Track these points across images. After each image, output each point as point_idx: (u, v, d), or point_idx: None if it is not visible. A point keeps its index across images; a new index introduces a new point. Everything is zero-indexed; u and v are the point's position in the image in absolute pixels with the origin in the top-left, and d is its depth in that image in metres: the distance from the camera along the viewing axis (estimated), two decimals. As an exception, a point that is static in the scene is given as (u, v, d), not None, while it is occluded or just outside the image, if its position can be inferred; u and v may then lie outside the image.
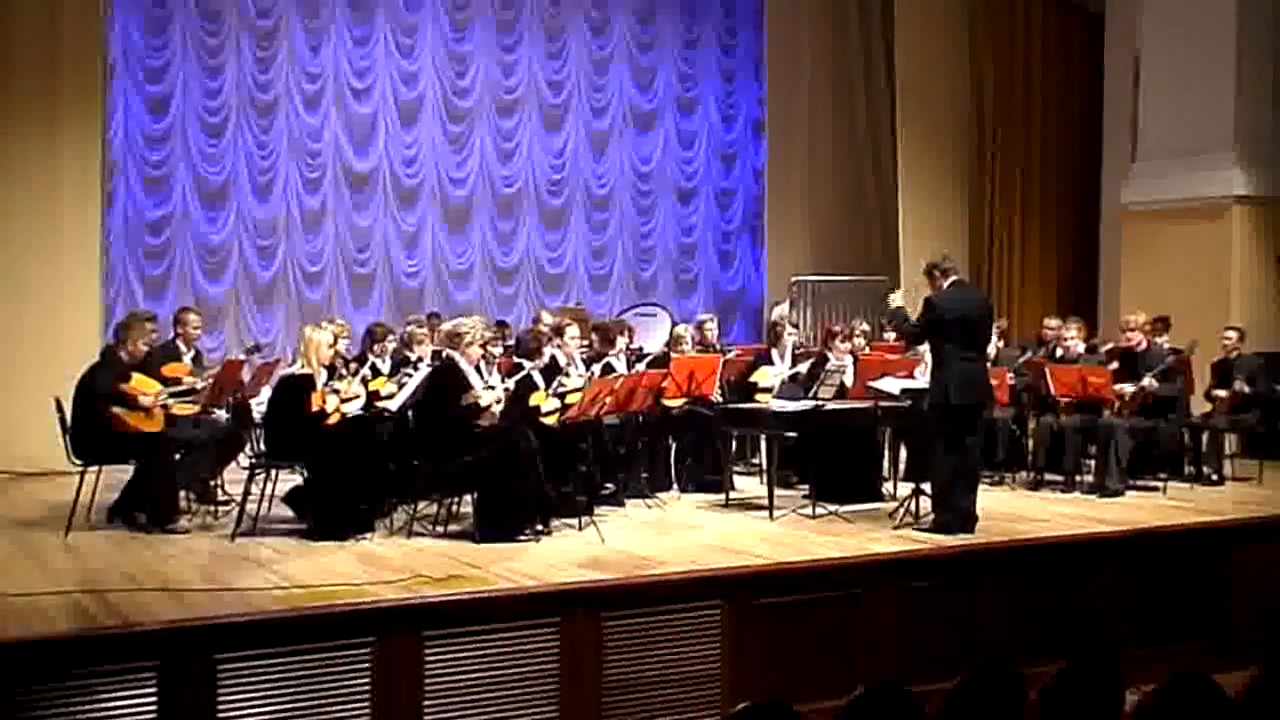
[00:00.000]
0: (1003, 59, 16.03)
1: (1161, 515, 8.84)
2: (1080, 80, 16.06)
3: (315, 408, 7.91)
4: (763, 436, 10.12)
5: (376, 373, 9.24)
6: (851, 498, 9.05)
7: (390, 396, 8.76)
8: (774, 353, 10.40)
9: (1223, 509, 9.19)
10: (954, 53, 16.00)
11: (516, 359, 9.06)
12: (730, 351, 11.22)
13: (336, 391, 8.28)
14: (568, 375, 8.90)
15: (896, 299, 8.79)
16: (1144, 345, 10.20)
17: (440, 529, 7.97)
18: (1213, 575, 8.21)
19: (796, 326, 11.20)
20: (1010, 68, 16.05)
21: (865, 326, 11.26)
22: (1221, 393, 10.69)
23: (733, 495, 9.48)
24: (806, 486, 9.28)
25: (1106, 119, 15.52)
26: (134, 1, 14.27)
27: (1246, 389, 10.54)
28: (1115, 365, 10.21)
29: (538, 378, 8.66)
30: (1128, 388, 9.94)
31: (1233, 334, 10.95)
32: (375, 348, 9.61)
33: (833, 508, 8.74)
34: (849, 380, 9.50)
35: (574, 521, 8.07)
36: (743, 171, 18.09)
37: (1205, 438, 10.72)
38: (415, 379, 8.61)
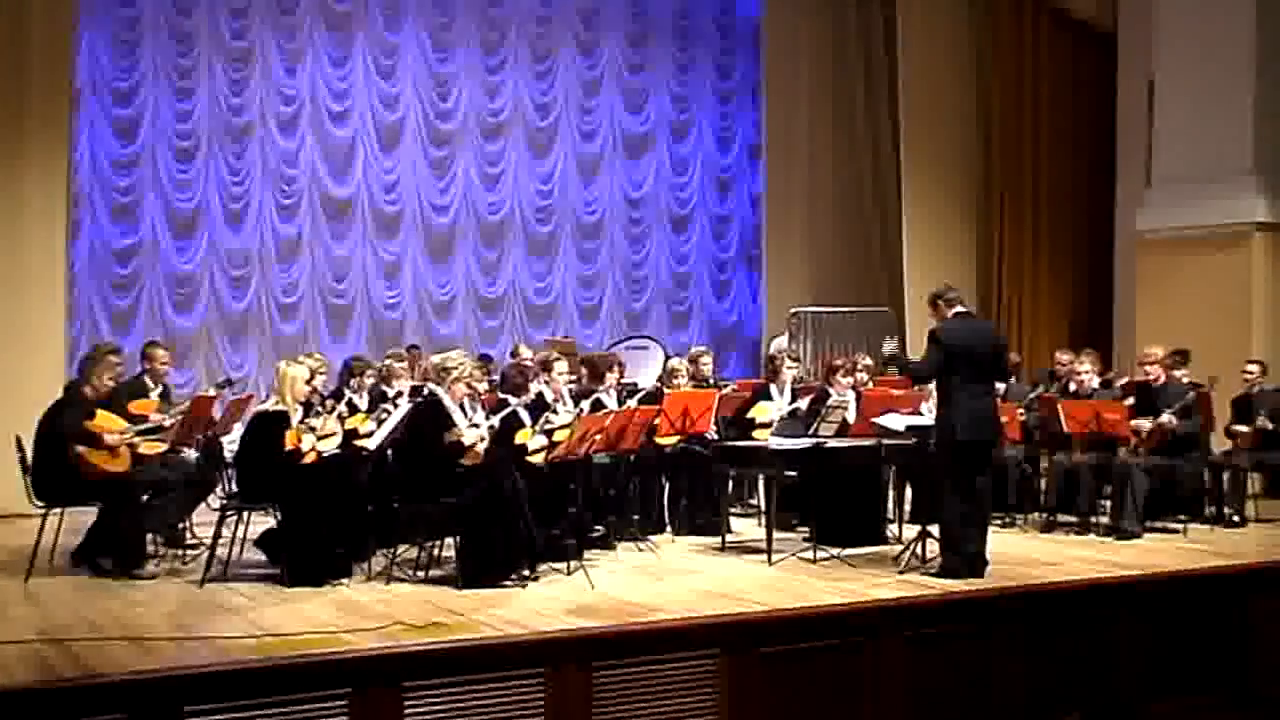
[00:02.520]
0: (1010, 80, 16.13)
1: (1181, 559, 8.84)
2: (1092, 103, 16.15)
3: (290, 446, 7.90)
4: (761, 476, 10.11)
5: (354, 409, 9.22)
6: (855, 540, 9.05)
7: (369, 434, 8.74)
8: (772, 388, 10.41)
9: (1245, 553, 9.19)
10: (960, 75, 16.11)
11: (501, 395, 9.05)
12: (726, 386, 11.22)
13: (312, 429, 8.26)
14: (555, 412, 8.90)
15: (890, 345, 8.83)
16: (1162, 380, 10.24)
17: (421, 574, 7.94)
18: (1234, 623, 8.21)
19: (796, 360, 11.20)
20: (1018, 90, 16.15)
21: (868, 360, 11.28)
22: (1243, 429, 10.71)
23: (729, 538, 9.46)
24: (807, 529, 9.27)
25: (1120, 143, 15.60)
26: (102, 21, 14.33)
27: (1270, 425, 10.56)
28: (1131, 401, 10.23)
29: (524, 415, 8.65)
30: (1145, 424, 9.97)
31: (1255, 368, 10.96)
32: (353, 383, 9.61)
33: (835, 551, 8.73)
34: (851, 416, 9.51)
35: (562, 566, 8.05)
36: (739, 198, 18.15)
37: (1226, 477, 10.73)
38: (395, 416, 8.60)
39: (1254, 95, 13.17)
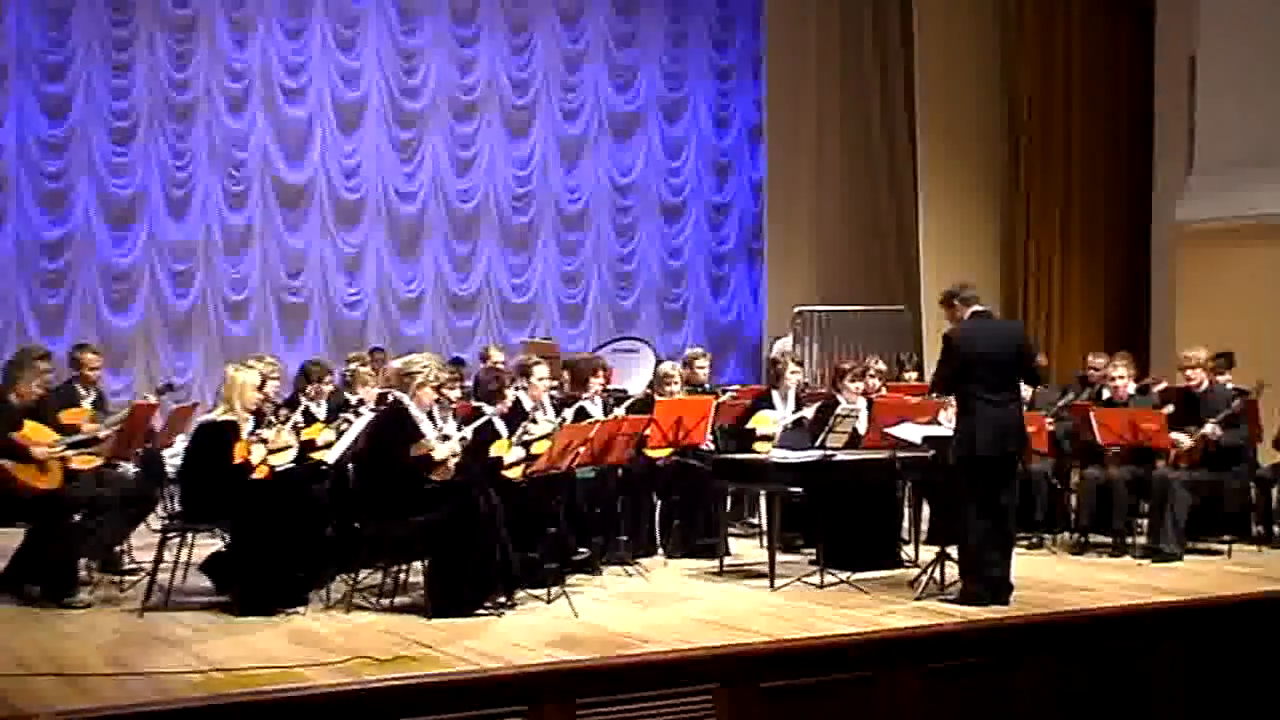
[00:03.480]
0: (1038, 59, 16.17)
1: (1225, 583, 8.86)
2: (1128, 83, 16.20)
3: (239, 459, 7.88)
4: (762, 492, 10.10)
5: (311, 419, 9.21)
6: (866, 563, 9.04)
7: (327, 446, 8.74)
8: (775, 395, 10.41)
9: (1295, 576, 9.23)
10: (983, 50, 16.15)
11: (475, 403, 9.04)
12: (724, 393, 11.22)
13: (264, 441, 8.25)
14: (535, 421, 8.89)
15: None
16: (1204, 386, 10.25)
17: (385, 602, 7.92)
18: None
19: (801, 364, 11.23)
20: (1048, 69, 16.20)
21: (881, 364, 11.28)
22: (1293, 441, 10.75)
23: (728, 561, 9.45)
24: (813, 551, 9.26)
25: (1158, 127, 15.66)
26: (31, -12, 14.33)
27: (1322, 437, 10.60)
28: (1171, 409, 10.24)
29: (500, 425, 8.65)
30: (1185, 436, 9.98)
31: (1306, 373, 11.00)
32: (310, 390, 9.59)
33: (844, 575, 8.73)
34: (862, 426, 9.52)
35: (542, 593, 8.03)
36: (738, 184, 18.19)
37: (1275, 493, 10.75)
38: (356, 426, 8.59)
39: (1305, 72, 13.24)
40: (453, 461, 8.00)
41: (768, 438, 9.88)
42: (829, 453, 9.01)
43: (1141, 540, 10.06)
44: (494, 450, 8.49)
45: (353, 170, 16.01)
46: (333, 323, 15.84)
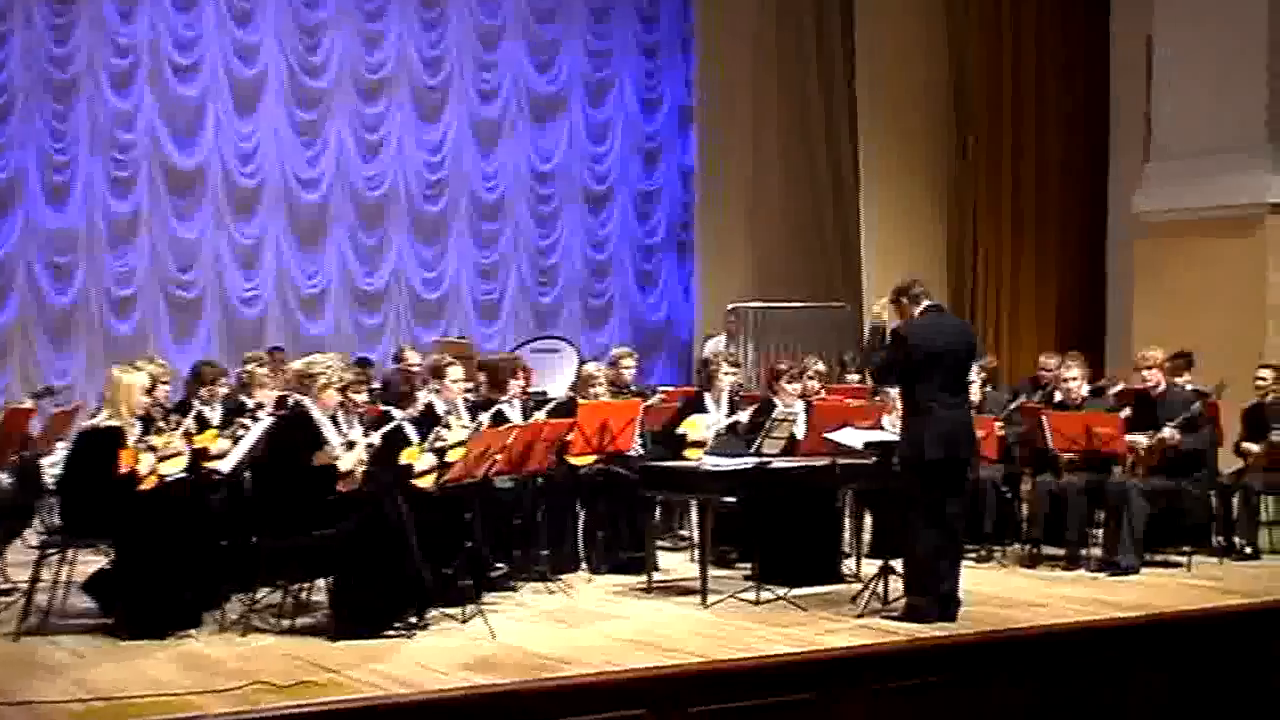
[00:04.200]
0: (988, 41, 16.30)
1: (1185, 598, 8.97)
2: (1083, 67, 16.34)
3: (125, 469, 7.80)
4: (693, 502, 10.13)
5: (204, 424, 9.13)
6: (805, 579, 9.08)
7: (222, 455, 8.67)
8: (707, 397, 10.43)
9: (1259, 589, 9.34)
10: (929, 32, 16.26)
11: (383, 407, 9.00)
12: (653, 396, 11.24)
13: (153, 448, 8.17)
14: (448, 426, 8.87)
15: (878, 312, 8.65)
16: (1162, 387, 10.37)
17: (286, 623, 7.87)
18: (1247, 672, 8.33)
19: (735, 365, 11.23)
20: (997, 51, 16.32)
21: (820, 365, 11.32)
22: (1254, 446, 10.87)
23: (657, 577, 9.46)
24: (749, 565, 9.30)
25: (1114, 114, 15.81)
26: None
27: (1286, 441, 10.74)
28: (1128, 412, 10.36)
29: (410, 430, 8.62)
30: (1143, 440, 10.09)
31: (1268, 374, 11.11)
32: (203, 392, 9.51)
33: (782, 592, 8.75)
34: (800, 431, 9.56)
35: (457, 612, 8.01)
36: (668, 171, 18.23)
37: (1237, 501, 10.88)
38: (254, 432, 8.53)
39: (1268, 55, 13.40)
40: (359, 470, 7.97)
41: (699, 444, 9.90)
42: (765, 460, 9.04)
43: (1097, 552, 10.16)
44: (404, 458, 8.45)
45: (249, 154, 15.89)
46: (227, 320, 15.71)
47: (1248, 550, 10.66)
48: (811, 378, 10.77)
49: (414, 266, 16.76)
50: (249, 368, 9.94)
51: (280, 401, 9.31)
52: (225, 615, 7.96)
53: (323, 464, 7.83)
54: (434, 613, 7.94)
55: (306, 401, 8.02)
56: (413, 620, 7.76)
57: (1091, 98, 16.24)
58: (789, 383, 10.10)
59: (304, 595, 8.23)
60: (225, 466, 8.58)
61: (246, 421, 8.86)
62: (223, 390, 9.65)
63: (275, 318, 15.93)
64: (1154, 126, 14.45)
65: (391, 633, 7.62)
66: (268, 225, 15.95)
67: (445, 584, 8.14)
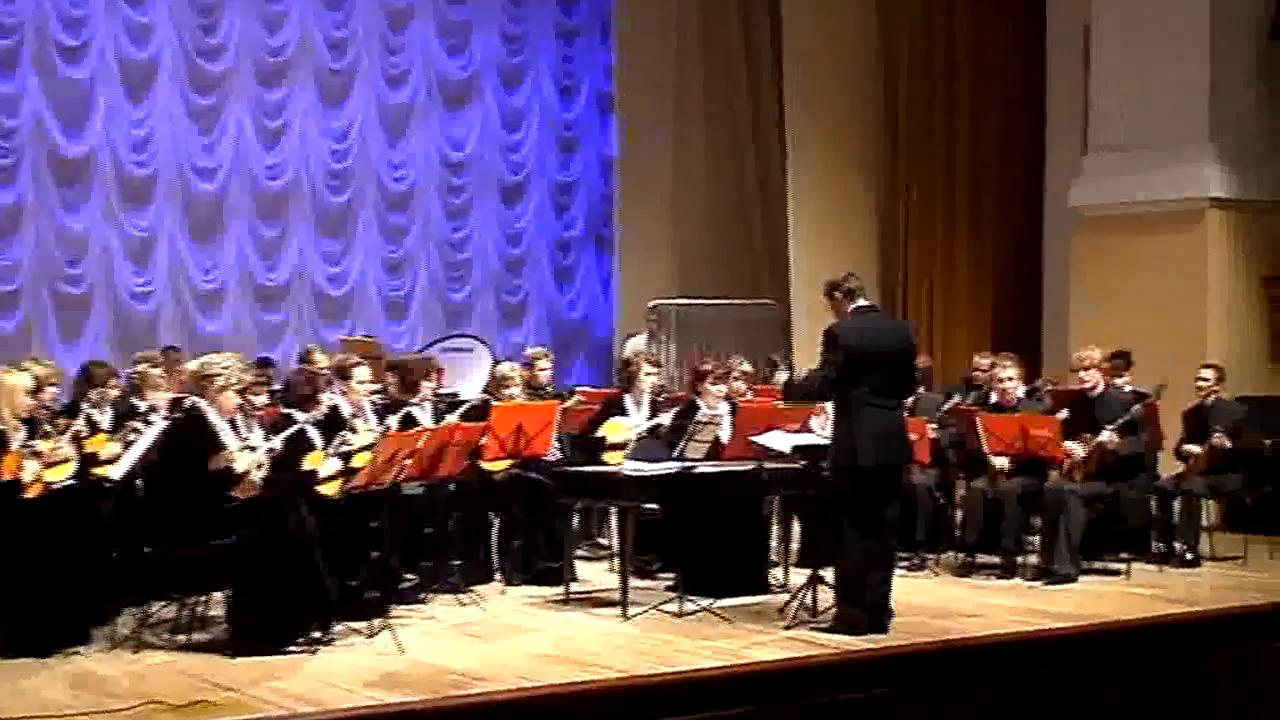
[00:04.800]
0: (920, 29, 16.42)
1: (1124, 606, 9.09)
2: (1019, 55, 16.45)
3: (8, 475, 7.71)
4: (613, 509, 10.13)
5: (94, 428, 9.03)
6: (731, 589, 9.10)
7: (113, 460, 8.58)
8: (627, 399, 10.44)
9: (1200, 597, 9.49)
10: (859, 16, 16.35)
11: (285, 409, 8.95)
12: (570, 397, 11.24)
13: (38, 454, 8.07)
14: (354, 430, 8.83)
15: (781, 376, 8.78)
16: (1101, 389, 10.48)
17: (182, 639, 7.82)
18: (1188, 683, 8.43)
19: (657, 365, 11.25)
20: (930, 40, 16.45)
21: (746, 365, 11.37)
22: (1196, 449, 11.00)
23: (575, 588, 9.47)
24: (671, 575, 9.31)
25: (1051, 104, 15.93)
26: None
27: (1227, 443, 10.84)
28: (1065, 414, 10.45)
29: (314, 434, 8.57)
30: (1079, 446, 10.19)
31: (1209, 374, 11.27)
32: (92, 394, 9.42)
33: (706, 603, 8.78)
34: (725, 435, 9.57)
35: (363, 626, 7.98)
36: (586, 162, 18.23)
37: (1177, 506, 11.03)
38: (147, 437, 8.46)
39: (1210, 44, 13.57)
40: (259, 476, 7.92)
41: (619, 447, 9.91)
42: (688, 464, 9.06)
43: (1033, 560, 10.26)
44: (307, 463, 8.40)
45: (142, 142, 15.73)
46: (118, 318, 15.55)
47: (1189, 557, 10.81)
48: (737, 379, 10.82)
49: (317, 261, 16.65)
50: (141, 368, 9.85)
51: (175, 404, 9.22)
52: (116, 631, 7.90)
53: (220, 470, 7.77)
54: (339, 627, 7.90)
55: (203, 404, 7.95)
56: (316, 635, 7.72)
57: (1027, 88, 16.34)
58: (713, 384, 10.12)
59: (200, 609, 8.14)
60: (116, 473, 8.50)
61: (139, 425, 8.78)
62: (113, 392, 9.57)
63: (169, 315, 15.79)
64: (1092, 118, 14.58)
65: (294, 648, 7.57)
66: (161, 217, 15.80)
67: (351, 596, 8.11)
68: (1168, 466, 11.38)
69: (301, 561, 7.62)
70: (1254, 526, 11.33)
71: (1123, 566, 10.33)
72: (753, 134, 17.54)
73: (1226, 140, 13.61)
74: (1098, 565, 10.39)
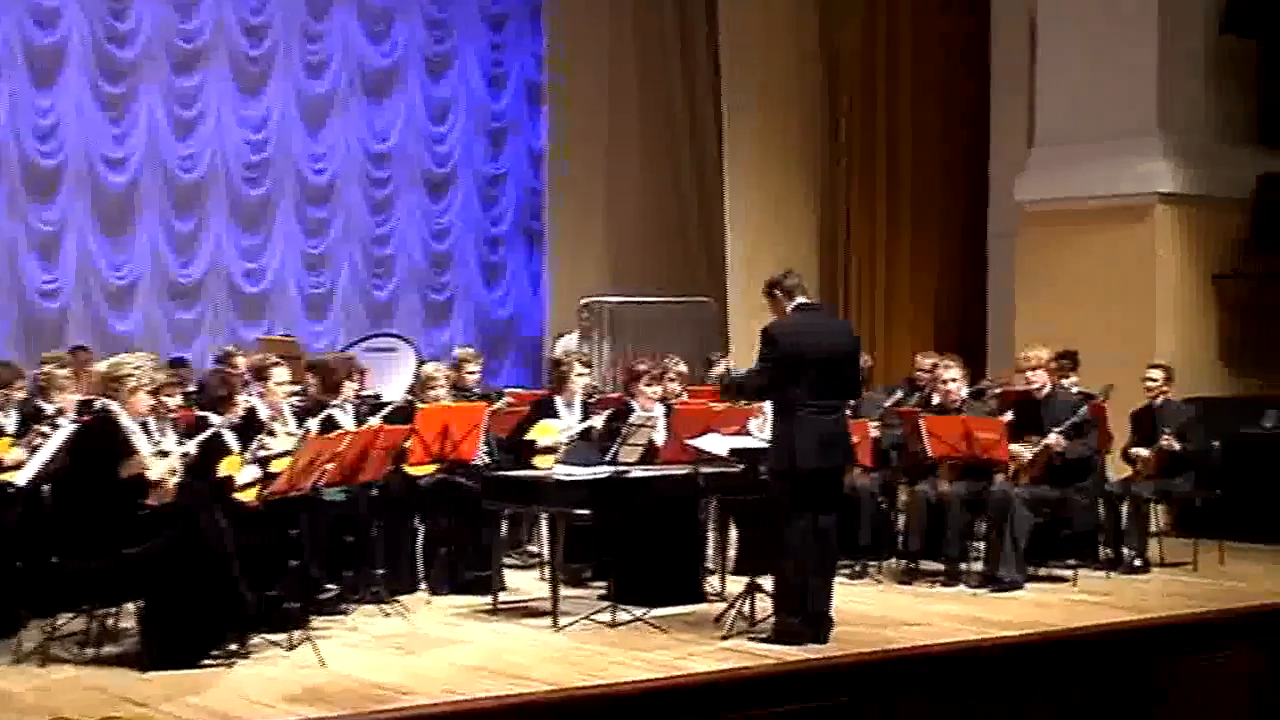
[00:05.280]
0: (862, 20, 16.45)
1: (1072, 614, 9.17)
2: (962, 49, 16.55)
3: (-93, 482, 7.64)
4: (543, 516, 10.13)
5: (-2, 432, 8.98)
6: (665, 598, 9.13)
7: (18, 465, 8.52)
8: (558, 400, 10.44)
9: (1149, 605, 9.58)
10: (797, 6, 16.37)
11: (200, 412, 8.90)
12: (499, 399, 11.22)
13: (-62, 459, 8.02)
14: (273, 433, 8.80)
15: (719, 368, 8.80)
16: (1047, 389, 10.55)
17: (91, 652, 7.77)
18: (1135, 694, 8.51)
19: (589, 365, 11.26)
20: (872, 31, 16.50)
21: (682, 365, 11.38)
22: (1144, 453, 11.10)
23: (503, 598, 9.46)
24: (604, 584, 9.32)
25: (996, 96, 16.01)
26: None
27: (1176, 446, 10.95)
28: (1010, 416, 10.52)
29: (230, 437, 8.52)
30: (1025, 449, 10.26)
31: (1158, 374, 11.36)
32: (-4, 396, 9.34)
33: (640, 612, 8.79)
34: (660, 438, 9.59)
35: (282, 638, 7.95)
36: (515, 154, 18.22)
37: (1125, 511, 11.12)
38: (54, 441, 8.42)
39: (1159, 36, 13.69)
40: (172, 481, 7.88)
41: (549, 451, 9.91)
42: (621, 469, 9.07)
43: (978, 566, 10.33)
44: (223, 468, 8.36)
45: (48, 132, 15.60)
46: (23, 316, 15.41)
47: (1137, 563, 10.90)
48: (672, 379, 10.83)
49: (234, 256, 16.55)
50: (48, 369, 9.78)
51: (84, 406, 9.16)
52: (21, 644, 7.86)
53: (131, 475, 7.73)
54: (257, 639, 7.89)
55: (114, 406, 7.91)
56: (233, 648, 7.69)
57: (972, 81, 16.44)
58: (648, 384, 10.14)
59: (111, 621, 8.10)
60: (21, 479, 8.45)
61: (45, 429, 8.74)
62: (19, 394, 9.47)
63: (77, 313, 15.66)
64: (1038, 110, 14.67)
65: (209, 662, 7.54)
66: (69, 210, 15.67)
67: (269, 607, 8.09)
68: (1116, 470, 11.48)
69: (217, 571, 7.60)
70: (1204, 531, 11.40)
71: (1069, 573, 10.41)
72: (689, 125, 17.56)
73: (1176, 134, 13.72)
74: (1044, 572, 10.47)
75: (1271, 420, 12.78)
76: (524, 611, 9.18)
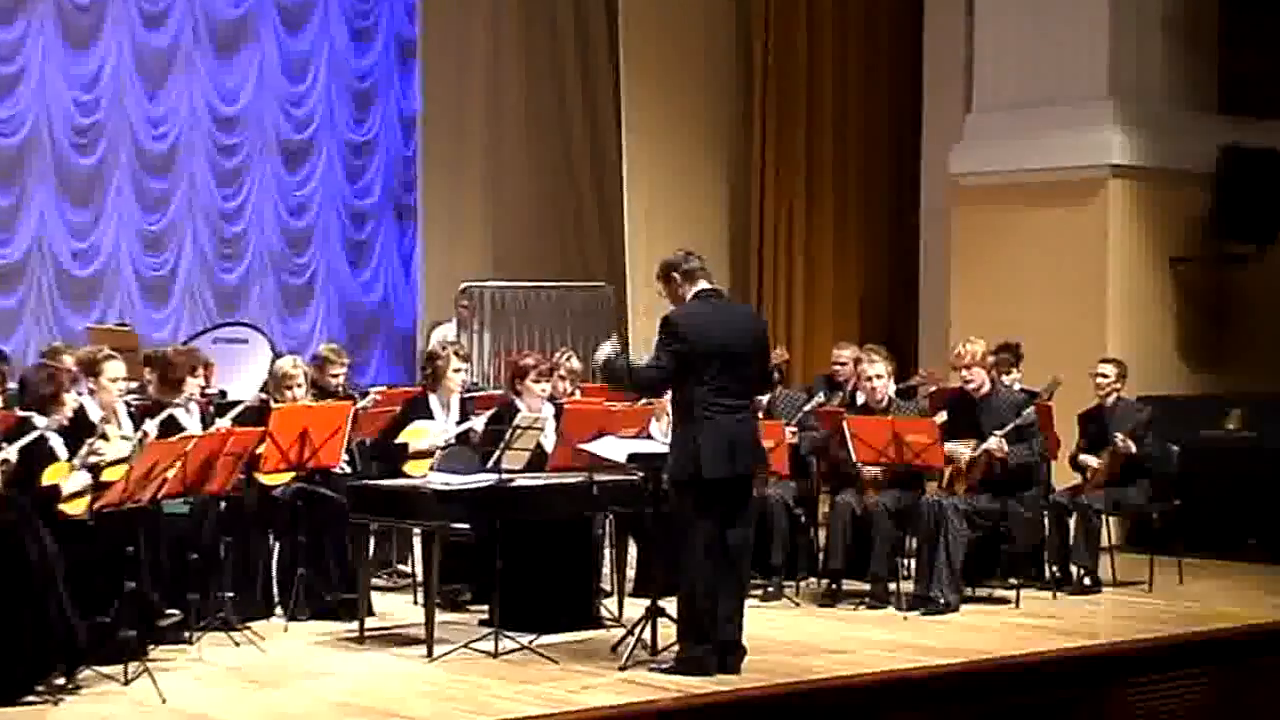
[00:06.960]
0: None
1: (1012, 640, 9.28)
2: (892, 3, 16.64)
3: None
4: (416, 531, 10.11)
5: None
6: (555, 624, 9.17)
7: None
8: (433, 399, 10.43)
9: (1099, 628, 9.72)
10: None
11: (22, 412, 8.81)
12: (365, 398, 11.20)
13: None
14: (105, 437, 8.72)
15: (606, 349, 8.70)
16: (986, 388, 10.61)
17: (-107, 689, 7.69)
18: (1085, 727, 8.63)
19: (468, 359, 11.25)
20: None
21: (575, 361, 11.39)
22: (1094, 460, 11.20)
23: (371, 624, 9.45)
24: (485, 608, 9.32)
25: (928, 57, 16.09)
26: None
27: (1132, 448, 11.04)
28: (944, 417, 10.60)
29: (57, 442, 8.45)
30: (963, 450, 10.35)
31: (1109, 370, 11.45)
32: None
33: (527, 639, 8.81)
34: (549, 442, 9.61)
35: (117, 670, 7.90)
36: (385, 119, 18.16)
37: (1074, 523, 11.22)
38: None
39: (1109, -2, 13.85)
40: (-11, 492, 7.81)
41: (423, 456, 9.90)
42: (505, 477, 9.07)
43: (908, 586, 10.41)
44: (48, 477, 8.29)
45: None
46: None
47: (1087, 581, 11.02)
48: (563, 376, 10.85)
49: (60, 233, 16.37)
50: None
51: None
52: None
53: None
54: (87, 672, 7.86)
55: (-81, 405, 7.82)
56: (60, 681, 7.66)
57: (902, 41, 16.54)
58: (535, 381, 10.15)
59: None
60: None
61: None
62: None
63: (-122, 301, 15.52)
64: (975, 73, 14.78)
65: (33, 697, 7.52)
66: None
67: (102, 636, 8.04)
68: (1063, 478, 11.57)
69: (41, 595, 7.56)
70: (1160, 546, 11.49)
71: (1011, 594, 10.51)
72: (581, 89, 17.55)
73: (1130, 100, 13.86)
74: (983, 592, 10.58)
75: (1235, 422, 12.91)
76: (395, 639, 9.18)
